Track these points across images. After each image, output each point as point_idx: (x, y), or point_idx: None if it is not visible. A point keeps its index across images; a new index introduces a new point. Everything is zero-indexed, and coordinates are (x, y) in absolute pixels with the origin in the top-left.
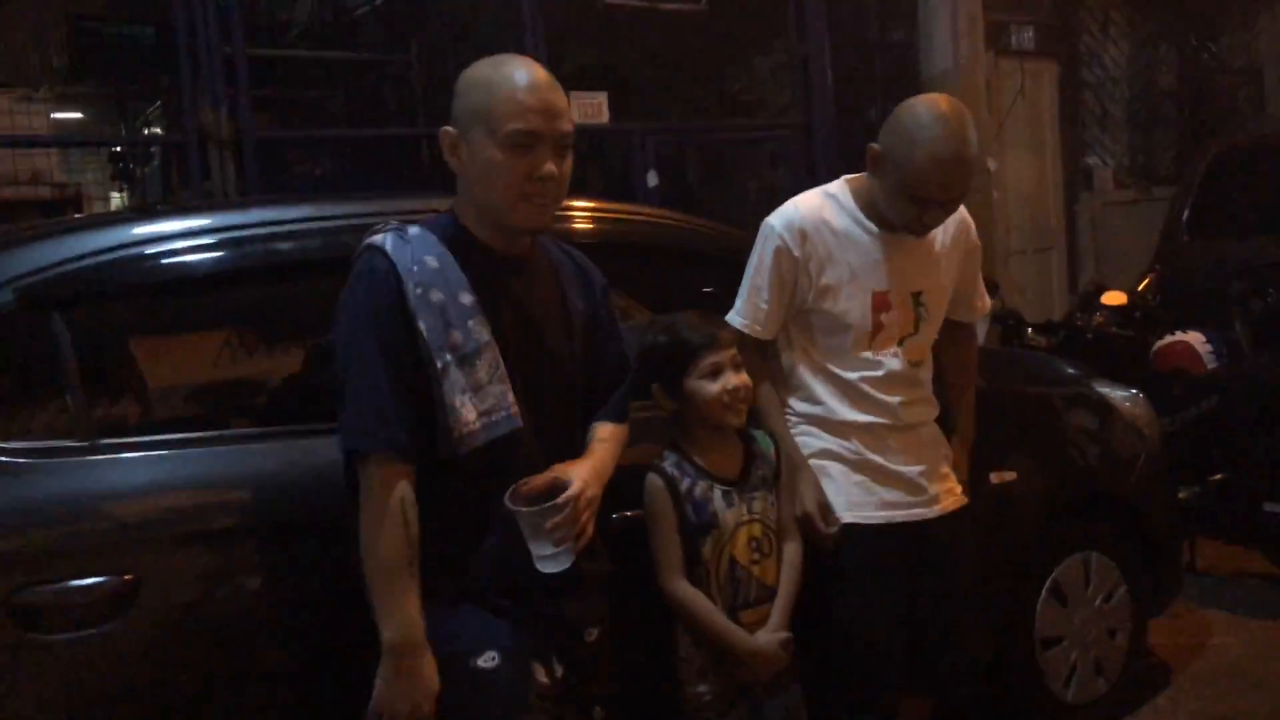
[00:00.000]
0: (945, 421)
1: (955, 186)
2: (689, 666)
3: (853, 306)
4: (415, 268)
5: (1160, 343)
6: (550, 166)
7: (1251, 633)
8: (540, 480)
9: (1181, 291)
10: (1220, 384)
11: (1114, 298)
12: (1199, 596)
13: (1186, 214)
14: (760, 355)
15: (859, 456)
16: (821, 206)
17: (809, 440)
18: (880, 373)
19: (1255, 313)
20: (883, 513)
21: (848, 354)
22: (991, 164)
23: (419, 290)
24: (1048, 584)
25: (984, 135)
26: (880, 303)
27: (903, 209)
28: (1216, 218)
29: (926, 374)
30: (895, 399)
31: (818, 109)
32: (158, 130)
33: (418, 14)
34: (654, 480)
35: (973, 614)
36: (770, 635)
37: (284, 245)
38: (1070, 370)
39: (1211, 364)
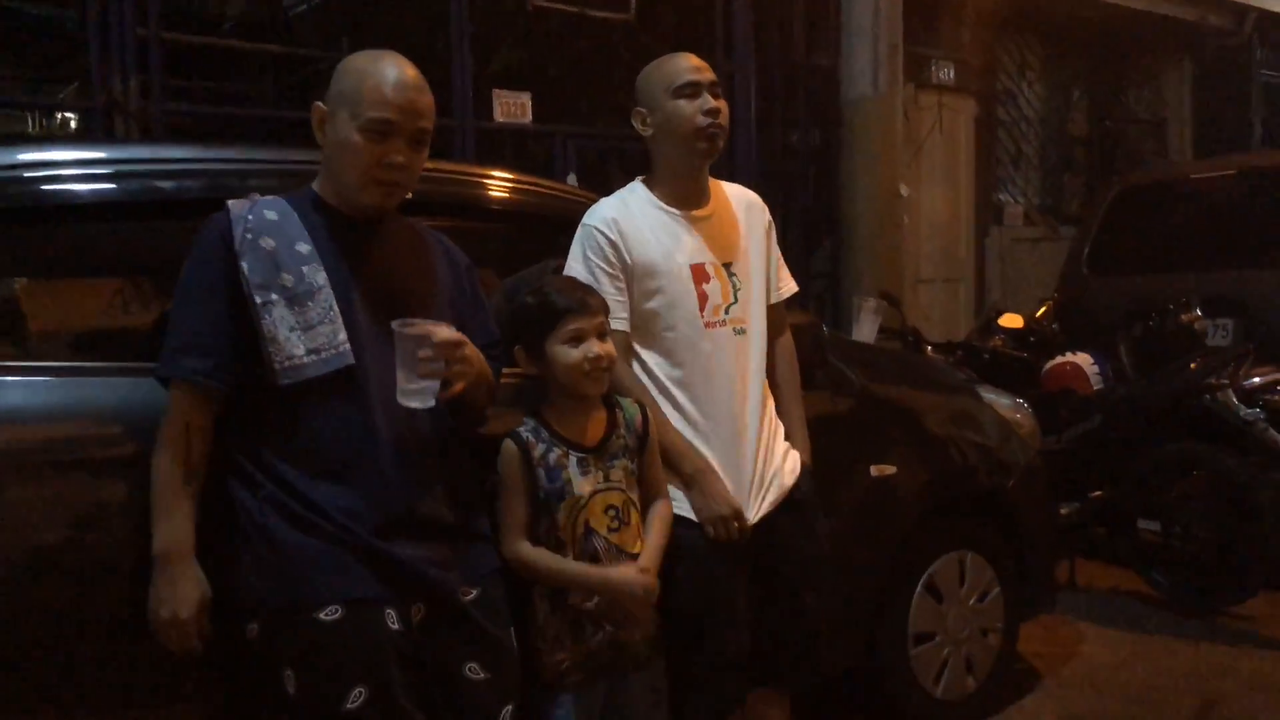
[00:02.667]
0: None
1: (707, 69)
2: (545, 634)
3: (675, 280)
4: (250, 218)
5: (1051, 363)
6: (400, 157)
7: (1120, 644)
8: (430, 326)
9: (1077, 321)
10: (1104, 404)
11: (1011, 320)
12: (1075, 610)
13: (1087, 250)
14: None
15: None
16: (622, 202)
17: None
18: (707, 344)
19: (1138, 336)
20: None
21: (682, 326)
22: (904, 190)
23: (248, 236)
24: (923, 579)
25: (900, 163)
26: (699, 274)
27: (685, 120)
28: (1116, 254)
29: (756, 351)
30: (728, 380)
31: (740, 127)
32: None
33: (351, 13)
34: (508, 445)
35: (819, 604)
36: (629, 566)
37: (165, 183)
38: (957, 375)
39: (1098, 385)
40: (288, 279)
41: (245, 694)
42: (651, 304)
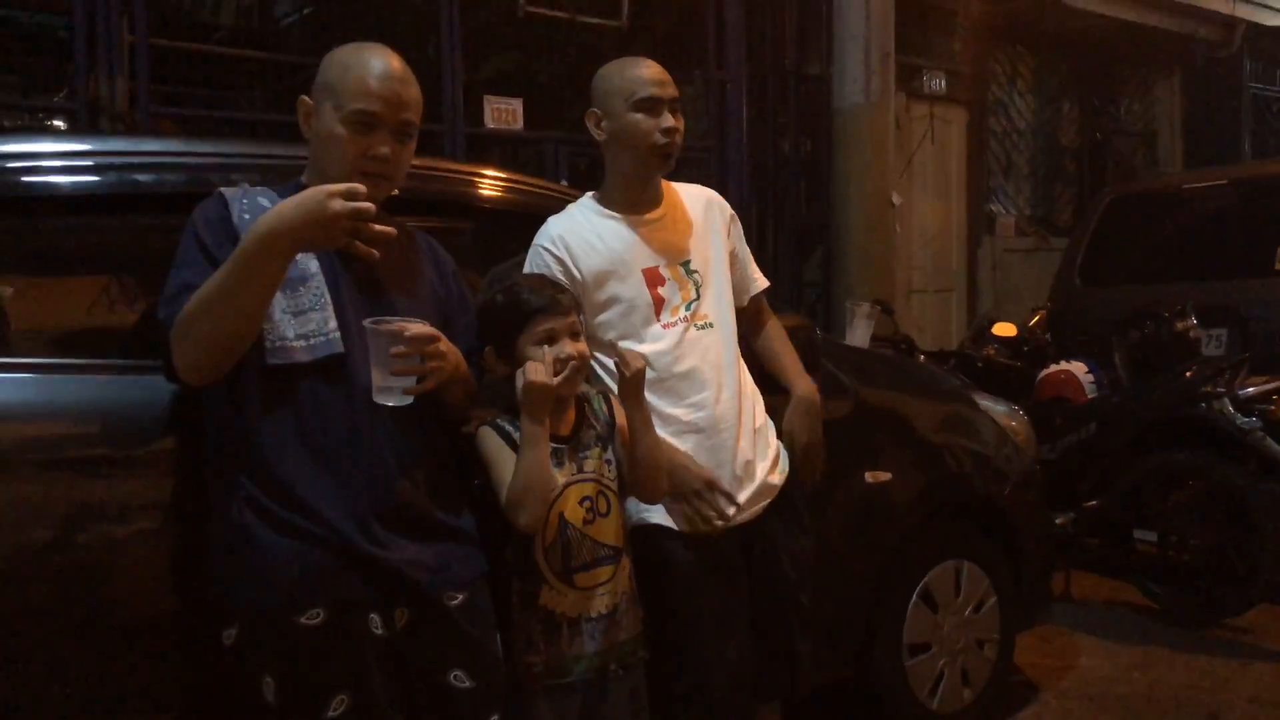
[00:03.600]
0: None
1: (669, 82)
2: (519, 636)
3: (627, 286)
4: (245, 201)
5: (1045, 371)
6: (384, 149)
7: (1118, 655)
8: (402, 323)
9: (1070, 330)
10: (1098, 412)
11: (1004, 329)
12: (1071, 622)
13: (1080, 260)
14: None
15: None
16: (568, 215)
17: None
18: (666, 344)
19: (1133, 344)
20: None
21: (638, 332)
22: (896, 199)
23: (245, 216)
24: (918, 589)
25: (892, 171)
26: (653, 277)
27: (642, 136)
28: (1108, 265)
29: (725, 344)
30: (697, 375)
31: (731, 135)
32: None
33: (342, 22)
34: (486, 430)
35: (813, 604)
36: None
37: (144, 176)
38: (953, 381)
39: (1092, 393)
40: None
41: (222, 703)
42: (607, 314)
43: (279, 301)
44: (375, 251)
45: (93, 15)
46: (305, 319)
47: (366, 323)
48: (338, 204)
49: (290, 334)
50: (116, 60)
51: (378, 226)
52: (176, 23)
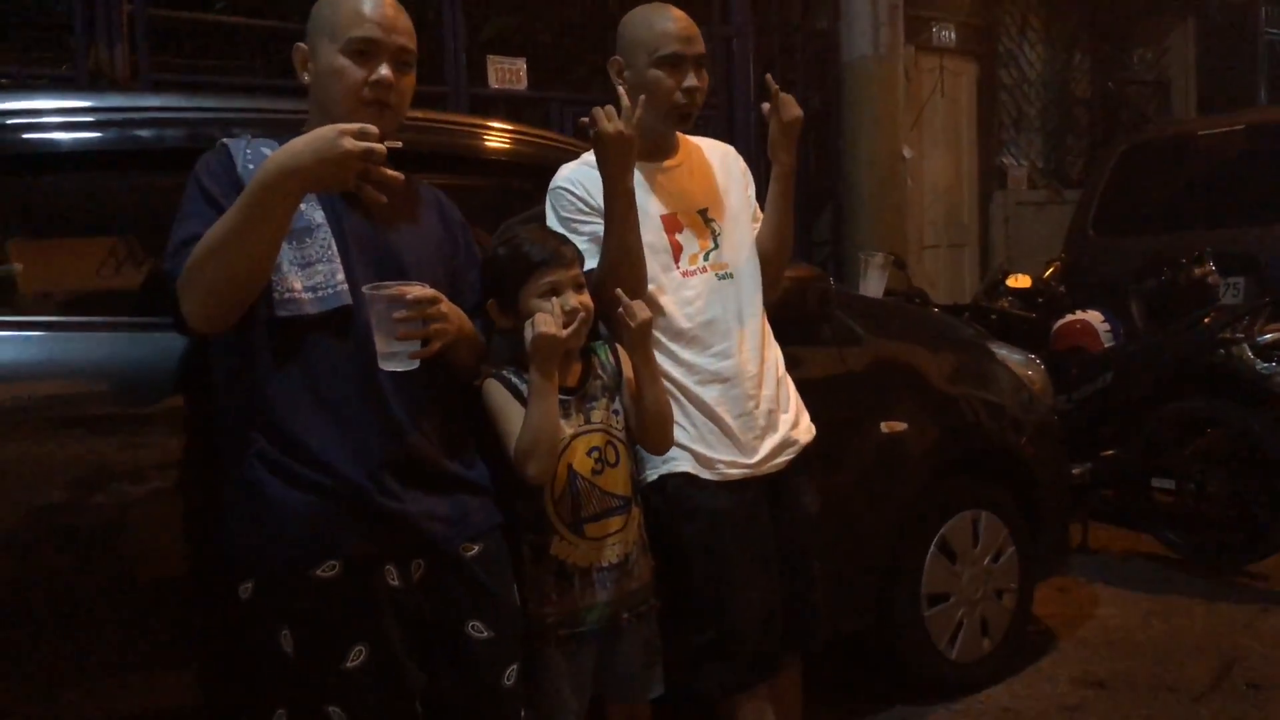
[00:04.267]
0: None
1: (695, 38)
2: (531, 587)
3: (645, 231)
4: (249, 151)
5: (1060, 321)
6: (386, 72)
7: (1137, 604)
8: (402, 286)
9: (1084, 281)
10: (1115, 361)
11: (1019, 281)
12: (1089, 573)
13: (1093, 211)
14: None
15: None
16: (583, 162)
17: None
18: (689, 293)
19: (1149, 290)
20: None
21: (658, 279)
22: (908, 152)
23: (250, 166)
24: (936, 539)
25: (902, 125)
26: (670, 223)
27: (663, 94)
28: (1122, 214)
29: (747, 294)
30: (719, 325)
31: (739, 92)
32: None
33: None
34: (492, 382)
35: (820, 568)
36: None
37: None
38: (968, 330)
39: (1109, 342)
40: None
41: (240, 657)
42: None
43: (286, 253)
44: (383, 196)
45: None
46: (312, 270)
47: (365, 289)
48: (349, 142)
49: (299, 285)
50: (116, 30)
51: (388, 171)
52: None
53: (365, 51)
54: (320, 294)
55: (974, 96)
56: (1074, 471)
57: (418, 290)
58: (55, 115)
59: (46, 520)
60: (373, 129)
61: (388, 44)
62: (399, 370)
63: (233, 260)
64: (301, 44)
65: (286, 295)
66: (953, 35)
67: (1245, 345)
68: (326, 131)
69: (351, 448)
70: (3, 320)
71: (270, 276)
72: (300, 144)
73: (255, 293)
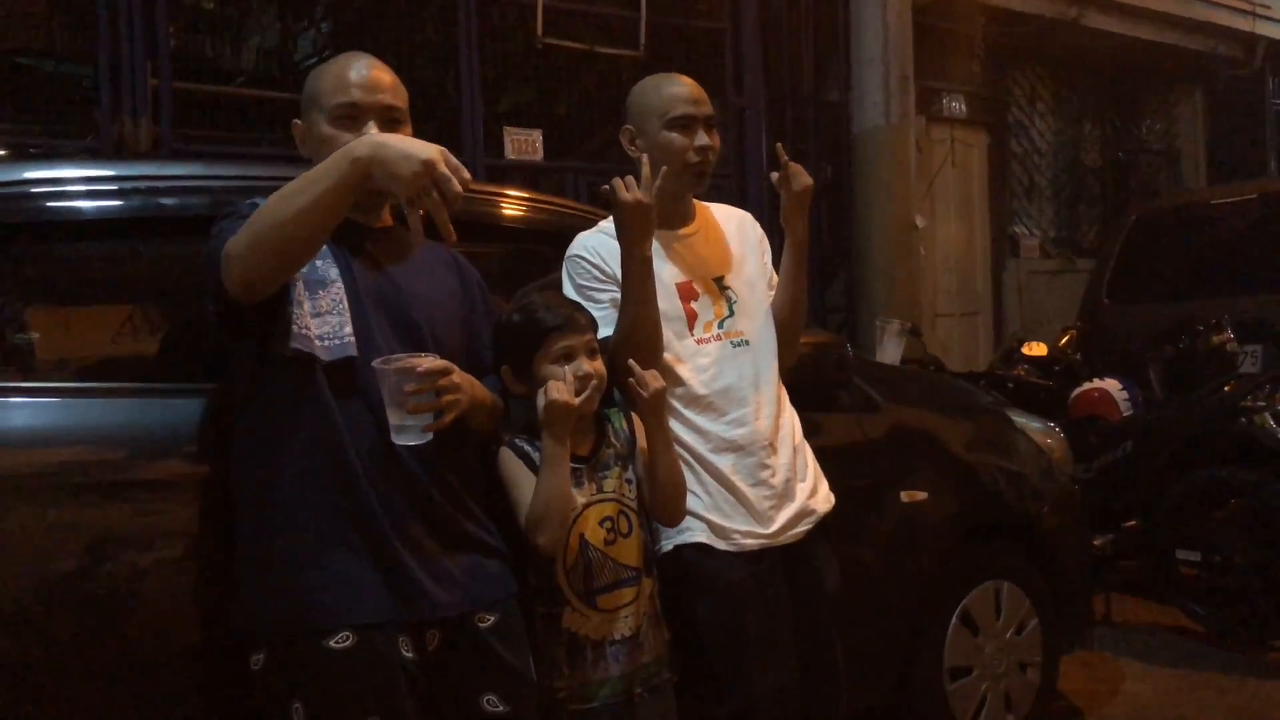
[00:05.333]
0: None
1: (704, 100)
2: (543, 660)
3: (660, 299)
4: None
5: (1078, 390)
6: (373, 131)
7: (1164, 680)
8: (412, 358)
9: (1100, 349)
10: (1135, 430)
11: (1035, 349)
12: (1114, 646)
13: (1107, 278)
14: None
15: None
16: (599, 230)
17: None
18: (704, 361)
19: (1168, 358)
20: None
21: (673, 346)
22: (920, 221)
23: None
24: (958, 611)
25: (914, 194)
26: (686, 291)
27: (676, 155)
28: (1136, 282)
29: (763, 361)
30: (735, 392)
31: (751, 162)
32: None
33: None
34: (506, 451)
35: (835, 636)
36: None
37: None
38: (987, 397)
39: (1127, 410)
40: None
41: None
42: None
43: (304, 298)
44: (421, 234)
45: (118, 61)
46: (323, 320)
47: (375, 363)
48: (440, 159)
49: (313, 327)
50: (141, 103)
51: (444, 213)
52: (200, 67)
53: (351, 116)
54: (327, 343)
55: (985, 166)
56: (1095, 542)
57: (428, 362)
58: (80, 184)
59: (60, 588)
60: (466, 174)
61: (372, 104)
62: (412, 443)
63: (289, 222)
64: (298, 120)
65: (303, 330)
66: (963, 106)
67: (1267, 414)
68: (429, 143)
69: (367, 513)
70: (21, 386)
71: (315, 259)
72: (397, 137)
73: (297, 266)
